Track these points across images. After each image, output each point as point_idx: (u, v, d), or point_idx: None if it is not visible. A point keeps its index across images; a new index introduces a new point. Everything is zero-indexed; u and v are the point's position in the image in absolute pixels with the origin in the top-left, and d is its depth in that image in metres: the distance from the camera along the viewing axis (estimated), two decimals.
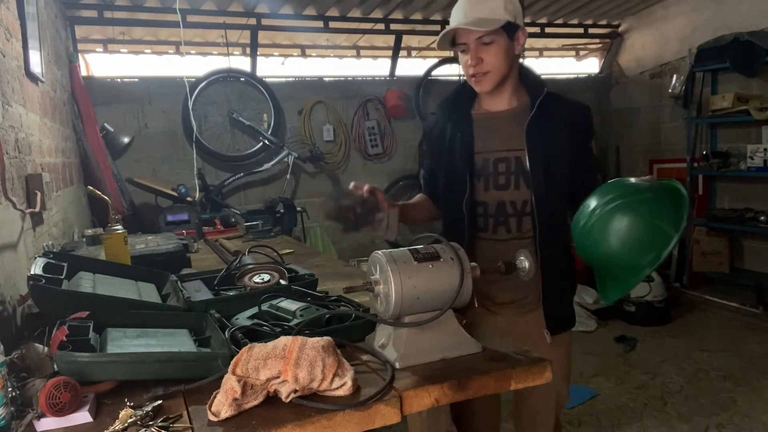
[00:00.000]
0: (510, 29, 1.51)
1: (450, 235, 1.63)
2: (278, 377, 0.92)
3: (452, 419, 1.80)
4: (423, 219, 1.80)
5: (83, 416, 0.92)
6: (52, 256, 1.52)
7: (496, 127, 1.61)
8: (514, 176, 1.58)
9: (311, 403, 0.91)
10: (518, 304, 1.65)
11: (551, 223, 1.58)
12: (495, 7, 1.48)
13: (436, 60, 5.24)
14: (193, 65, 4.87)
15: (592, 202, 1.25)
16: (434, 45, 5.54)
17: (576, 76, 6.04)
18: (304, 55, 5.24)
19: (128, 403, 0.92)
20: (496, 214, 1.61)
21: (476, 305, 1.17)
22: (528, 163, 1.55)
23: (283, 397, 0.91)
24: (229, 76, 4.51)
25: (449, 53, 5.22)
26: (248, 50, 4.72)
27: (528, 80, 1.62)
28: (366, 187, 1.46)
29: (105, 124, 4.03)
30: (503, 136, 1.59)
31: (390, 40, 5.13)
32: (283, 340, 0.97)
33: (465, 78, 1.64)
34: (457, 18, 1.50)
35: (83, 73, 4.05)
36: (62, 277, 1.39)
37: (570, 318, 1.71)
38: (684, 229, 1.13)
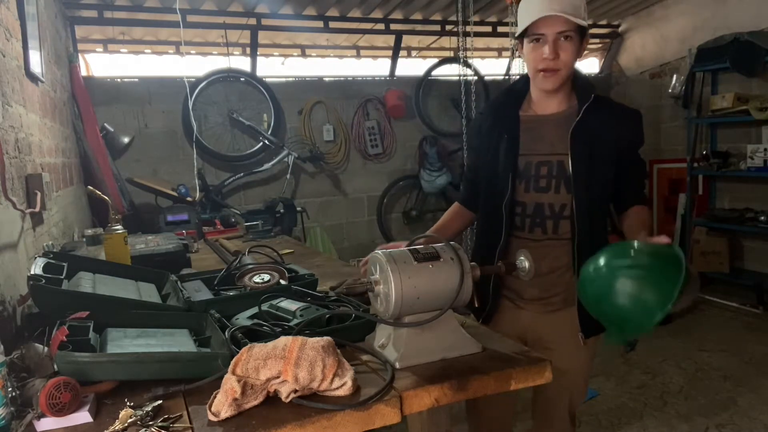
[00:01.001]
0: (583, 32, 1.50)
1: (486, 232, 1.66)
2: (278, 377, 0.92)
3: (465, 411, 1.81)
4: (456, 233, 1.80)
5: (83, 416, 0.92)
6: (52, 256, 1.52)
7: (542, 130, 1.60)
8: (555, 180, 1.57)
9: (311, 403, 0.91)
10: (545, 302, 1.64)
11: (591, 227, 1.57)
12: (578, 5, 1.47)
13: (436, 60, 5.24)
14: (193, 65, 4.88)
15: (601, 260, 1.25)
16: (435, 45, 5.55)
17: None
18: (304, 55, 5.24)
19: (128, 403, 0.92)
20: (534, 215, 1.61)
21: (476, 305, 1.17)
22: (570, 168, 1.54)
23: (283, 397, 0.91)
24: (229, 76, 4.51)
25: (449, 53, 5.23)
26: (248, 50, 4.72)
27: (578, 84, 1.61)
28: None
29: (105, 124, 4.03)
30: (548, 140, 1.58)
31: (390, 40, 5.13)
32: (283, 340, 0.97)
33: (523, 76, 1.62)
34: (543, 6, 1.44)
35: (83, 73, 4.05)
36: (62, 277, 1.39)
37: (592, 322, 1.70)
38: (673, 303, 1.10)
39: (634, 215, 1.61)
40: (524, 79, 1.65)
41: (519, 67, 4.43)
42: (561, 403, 1.72)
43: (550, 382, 1.08)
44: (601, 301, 1.23)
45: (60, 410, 0.90)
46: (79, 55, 4.09)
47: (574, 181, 1.53)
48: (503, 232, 1.61)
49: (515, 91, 1.67)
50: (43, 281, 1.25)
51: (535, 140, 1.59)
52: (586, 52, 6.08)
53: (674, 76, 5.19)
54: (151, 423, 0.88)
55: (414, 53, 5.65)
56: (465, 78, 4.59)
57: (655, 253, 1.21)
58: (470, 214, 1.80)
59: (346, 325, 1.22)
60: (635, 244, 1.25)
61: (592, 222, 1.57)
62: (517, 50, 1.63)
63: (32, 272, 1.30)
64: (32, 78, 2.30)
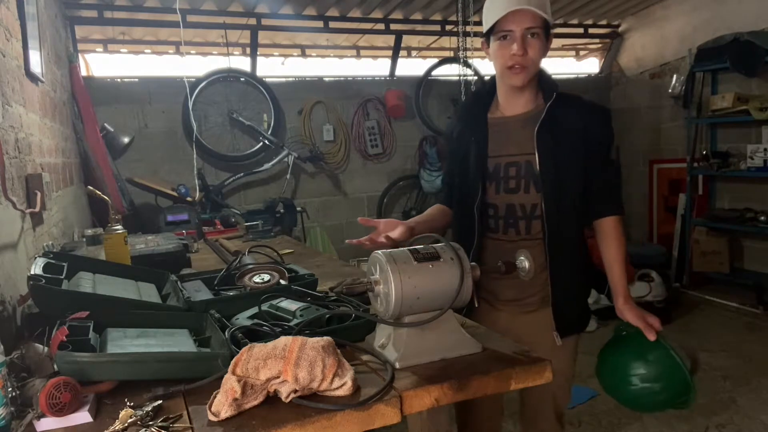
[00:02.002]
0: (548, 31, 1.52)
1: (461, 235, 1.66)
2: (278, 377, 0.92)
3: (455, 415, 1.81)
4: (441, 228, 1.81)
5: (83, 416, 0.92)
6: (52, 256, 1.52)
7: (509, 131, 1.60)
8: (524, 180, 1.58)
9: (311, 403, 0.91)
10: (521, 303, 1.65)
11: (562, 227, 1.57)
12: (544, 2, 1.48)
13: (436, 60, 5.24)
14: (193, 65, 4.88)
15: (634, 369, 1.51)
16: (435, 45, 5.55)
17: (576, 76, 6.04)
18: (304, 55, 5.24)
19: (128, 403, 0.92)
20: (506, 216, 1.62)
21: (477, 305, 1.17)
22: (538, 167, 1.54)
23: (283, 397, 0.91)
24: (229, 76, 4.51)
25: (449, 53, 5.23)
26: (248, 50, 4.73)
27: (543, 83, 1.62)
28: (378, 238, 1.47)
29: (105, 124, 4.03)
30: (515, 141, 1.59)
31: (390, 40, 5.13)
32: (283, 340, 0.97)
33: (491, 78, 1.64)
34: (510, 3, 1.44)
35: (83, 73, 4.06)
36: (62, 277, 1.39)
37: (580, 321, 1.70)
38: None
39: (604, 233, 1.61)
40: (491, 82, 1.66)
41: None
42: (546, 405, 1.72)
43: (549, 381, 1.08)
44: (615, 394, 1.56)
45: (60, 410, 0.90)
46: (79, 55, 4.09)
47: (542, 180, 1.54)
48: (476, 234, 1.61)
49: (482, 94, 1.69)
50: (43, 281, 1.25)
51: (502, 142, 1.60)
52: (585, 52, 6.10)
53: (674, 76, 5.19)
54: (151, 423, 0.88)
55: (414, 53, 5.65)
56: (465, 78, 4.59)
57: (669, 381, 1.45)
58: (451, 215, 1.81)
59: (346, 325, 1.22)
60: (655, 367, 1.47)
61: (563, 221, 1.57)
62: (482, 49, 1.62)
63: (32, 272, 1.30)
64: (32, 78, 2.30)
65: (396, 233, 1.49)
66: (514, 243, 1.61)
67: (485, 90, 1.68)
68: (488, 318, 1.65)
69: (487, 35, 1.54)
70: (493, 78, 1.65)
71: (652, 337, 1.49)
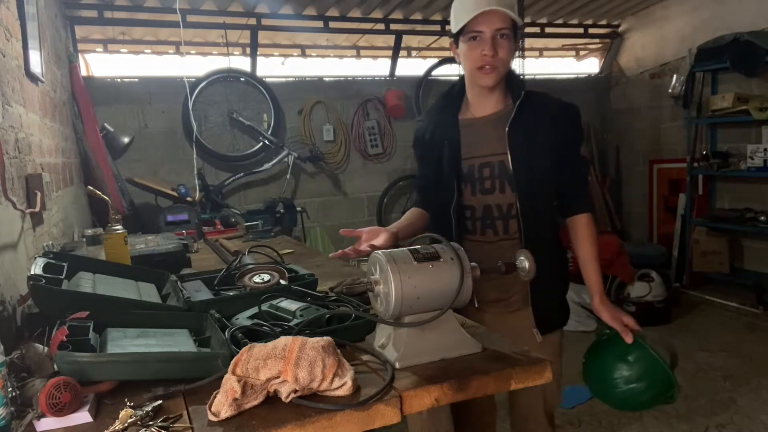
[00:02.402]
0: (516, 31, 1.53)
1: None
2: (278, 377, 0.92)
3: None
4: (421, 232, 1.79)
5: (83, 416, 0.92)
6: (52, 256, 1.52)
7: (480, 132, 1.61)
8: (498, 180, 1.59)
9: (311, 403, 0.91)
10: (505, 303, 1.66)
11: (538, 225, 1.59)
12: (512, 3, 1.49)
13: (436, 60, 5.24)
14: (193, 65, 4.88)
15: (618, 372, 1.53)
16: (435, 45, 5.55)
17: (576, 76, 6.04)
18: (304, 55, 5.24)
19: (128, 403, 0.92)
20: (483, 217, 1.63)
21: (476, 305, 1.17)
22: (511, 167, 1.55)
23: (283, 397, 0.91)
24: (229, 76, 4.51)
25: (449, 53, 5.23)
26: (248, 50, 4.73)
27: (512, 83, 1.62)
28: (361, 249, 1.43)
29: (105, 124, 4.03)
30: (487, 141, 1.59)
31: (390, 40, 5.13)
32: (283, 340, 0.97)
33: (459, 79, 1.64)
34: (480, 4, 1.45)
35: (83, 73, 4.06)
36: (62, 277, 1.39)
37: (560, 318, 1.72)
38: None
39: (577, 231, 1.62)
40: (460, 83, 1.66)
41: (519, 67, 4.44)
42: (536, 405, 1.71)
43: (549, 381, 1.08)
44: (603, 398, 1.58)
45: (60, 410, 0.90)
46: (79, 55, 4.09)
47: (515, 179, 1.55)
48: (453, 236, 1.61)
49: (452, 96, 1.68)
50: (43, 281, 1.25)
51: (474, 143, 1.60)
52: (585, 52, 6.10)
53: (674, 76, 5.19)
54: (151, 423, 0.88)
55: (414, 53, 5.65)
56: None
57: (652, 380, 1.49)
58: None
59: (346, 325, 1.22)
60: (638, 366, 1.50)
61: (539, 219, 1.59)
62: (450, 50, 1.62)
63: (32, 272, 1.30)
64: (32, 78, 2.30)
65: (380, 240, 1.46)
66: (491, 244, 1.62)
67: (454, 92, 1.68)
68: (473, 319, 1.65)
69: (456, 36, 1.54)
70: (461, 79, 1.65)
71: (629, 339, 1.50)
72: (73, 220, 2.94)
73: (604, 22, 5.75)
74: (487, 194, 1.61)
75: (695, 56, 4.78)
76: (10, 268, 1.54)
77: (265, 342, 0.98)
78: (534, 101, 1.57)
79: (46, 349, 1.10)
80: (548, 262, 1.61)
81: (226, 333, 1.14)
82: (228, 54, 4.68)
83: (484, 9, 1.44)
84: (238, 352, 0.96)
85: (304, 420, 0.88)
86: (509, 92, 1.62)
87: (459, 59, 1.57)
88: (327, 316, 1.24)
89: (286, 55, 5.22)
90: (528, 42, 5.26)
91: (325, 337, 0.99)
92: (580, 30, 5.71)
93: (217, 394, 0.91)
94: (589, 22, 5.66)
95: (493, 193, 1.60)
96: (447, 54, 5.30)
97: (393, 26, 4.96)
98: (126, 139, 4.18)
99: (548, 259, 1.61)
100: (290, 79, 4.90)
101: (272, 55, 5.17)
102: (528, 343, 1.57)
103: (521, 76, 1.68)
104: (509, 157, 1.55)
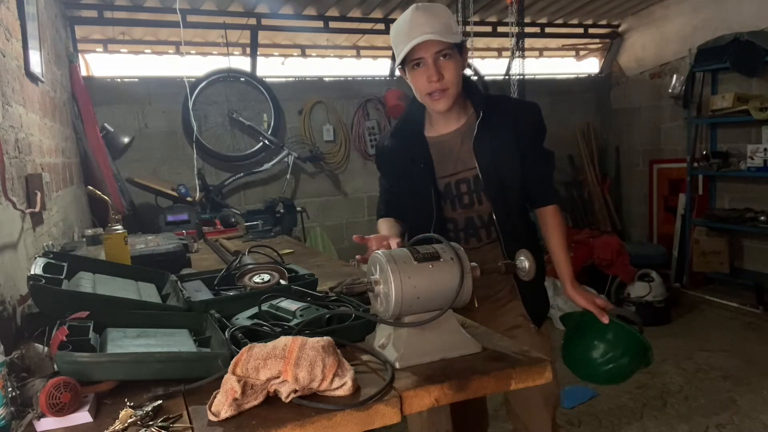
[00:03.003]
0: (459, 47, 1.51)
1: None
2: (278, 377, 0.92)
3: None
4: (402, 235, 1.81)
5: (83, 416, 0.92)
6: (52, 256, 1.52)
7: (451, 149, 1.62)
8: (475, 194, 1.62)
9: (311, 403, 0.91)
10: (493, 299, 1.70)
11: (514, 226, 1.63)
12: (448, 22, 1.47)
13: None
14: (193, 65, 4.88)
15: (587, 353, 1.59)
16: None
17: (576, 76, 6.04)
18: (304, 55, 5.24)
19: (128, 403, 0.92)
20: (466, 228, 1.66)
21: (476, 305, 1.17)
22: (482, 180, 1.58)
23: (283, 397, 0.91)
24: (229, 76, 4.51)
25: None
26: (248, 50, 4.73)
27: (470, 91, 1.61)
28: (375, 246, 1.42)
29: (105, 124, 4.03)
30: (459, 157, 1.61)
31: (390, 40, 5.11)
32: (283, 340, 0.97)
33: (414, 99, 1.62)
34: (414, 33, 1.44)
35: (83, 73, 4.06)
36: (62, 277, 1.39)
37: (545, 306, 1.78)
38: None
39: (546, 221, 1.65)
40: (417, 103, 1.63)
41: (519, 67, 4.43)
42: (535, 401, 1.67)
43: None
44: (590, 378, 1.66)
45: (60, 410, 0.90)
46: (79, 55, 4.09)
47: (488, 192, 1.59)
48: None
49: (414, 113, 1.66)
50: (43, 281, 1.25)
51: (447, 161, 1.62)
52: (585, 52, 6.10)
53: (674, 76, 5.19)
54: (151, 423, 0.88)
55: None
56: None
57: (632, 351, 1.57)
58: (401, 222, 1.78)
59: (346, 325, 1.22)
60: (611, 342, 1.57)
61: (515, 221, 1.63)
62: (402, 77, 1.60)
63: (32, 272, 1.30)
64: (32, 78, 2.30)
65: (393, 245, 1.43)
66: (476, 249, 1.66)
67: (414, 108, 1.66)
68: (466, 316, 1.66)
69: (402, 65, 1.53)
70: (417, 100, 1.64)
71: (605, 320, 1.54)
72: (73, 220, 2.94)
73: (604, 22, 5.75)
74: (467, 208, 1.64)
75: (695, 56, 4.78)
76: (10, 268, 1.54)
77: (265, 342, 0.98)
78: (494, 106, 1.58)
79: (46, 349, 1.10)
80: None
81: (226, 333, 1.14)
82: (228, 54, 4.68)
83: (418, 41, 1.42)
84: (238, 352, 0.96)
85: (304, 420, 0.88)
86: (468, 100, 1.62)
87: (411, 85, 1.56)
88: (327, 316, 1.24)
89: (286, 55, 5.22)
90: (528, 42, 5.25)
91: (325, 337, 0.99)
92: (580, 30, 5.71)
93: (217, 394, 0.91)
94: (589, 22, 5.66)
95: (473, 207, 1.64)
96: None
97: None
98: (126, 139, 4.18)
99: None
100: (290, 79, 4.90)
101: (272, 55, 5.17)
102: (520, 335, 1.62)
103: (480, 78, 1.66)
104: (478, 170, 1.58)
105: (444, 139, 1.63)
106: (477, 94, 1.61)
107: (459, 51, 1.51)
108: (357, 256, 1.43)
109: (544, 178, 1.66)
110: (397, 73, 1.65)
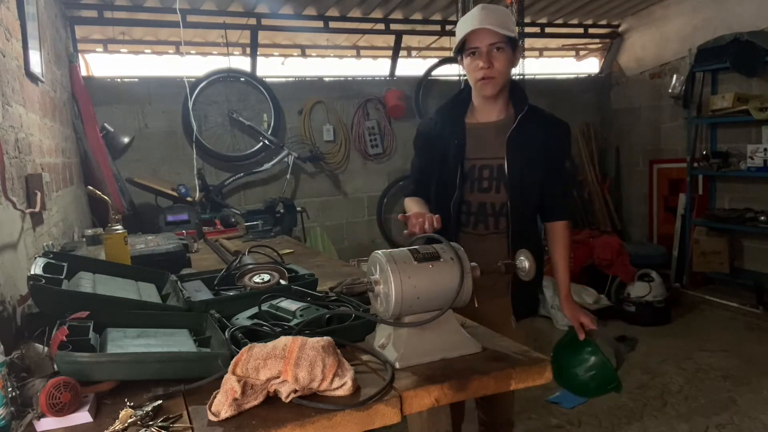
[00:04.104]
0: (513, 44, 1.68)
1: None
2: (278, 377, 0.92)
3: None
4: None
5: (83, 416, 0.92)
6: (52, 256, 1.52)
7: (485, 136, 1.77)
8: (495, 181, 1.75)
9: (311, 403, 0.91)
10: (493, 289, 1.76)
11: (523, 223, 1.77)
12: (505, 21, 1.66)
13: (436, 60, 5.24)
14: (193, 65, 4.88)
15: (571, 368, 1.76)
16: (435, 45, 5.56)
17: (576, 76, 6.04)
18: (304, 55, 5.24)
19: (128, 403, 0.92)
20: (478, 212, 1.79)
21: (476, 305, 1.17)
22: (507, 170, 1.72)
23: (283, 397, 0.91)
24: (229, 76, 4.51)
25: (449, 53, 5.23)
26: (248, 50, 4.72)
27: (515, 95, 1.78)
28: (427, 226, 1.47)
29: (105, 124, 4.03)
30: (490, 145, 1.75)
31: (390, 40, 5.13)
32: (283, 340, 0.97)
33: (465, 84, 1.80)
34: (474, 23, 1.63)
35: (83, 73, 4.05)
36: (62, 277, 1.39)
37: (533, 305, 1.92)
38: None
39: (554, 235, 1.81)
40: (467, 90, 1.82)
41: (519, 67, 4.43)
42: (504, 395, 1.80)
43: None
44: (564, 385, 1.78)
45: (60, 410, 0.90)
46: (79, 55, 4.09)
47: (509, 182, 1.72)
48: (451, 228, 1.76)
49: (460, 100, 1.85)
50: (43, 281, 1.25)
51: (478, 146, 1.77)
52: (585, 52, 6.10)
53: (674, 76, 5.19)
54: (151, 423, 0.88)
55: (414, 53, 5.65)
56: (465, 78, 4.59)
57: (599, 375, 1.71)
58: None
59: (346, 325, 1.22)
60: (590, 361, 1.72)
61: (525, 219, 1.78)
62: (458, 64, 1.82)
63: (32, 272, 1.30)
64: (32, 78, 2.30)
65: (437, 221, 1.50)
66: (482, 236, 1.78)
67: (461, 97, 1.85)
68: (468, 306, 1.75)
69: (459, 52, 1.72)
70: (468, 86, 1.82)
71: (581, 336, 1.71)
72: (73, 220, 2.94)
73: (604, 22, 5.75)
74: (483, 192, 1.77)
75: (695, 56, 4.78)
76: (10, 268, 1.54)
77: (265, 342, 0.98)
78: (533, 115, 1.74)
79: (46, 349, 1.10)
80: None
81: (226, 333, 1.14)
82: (228, 54, 4.68)
83: (475, 28, 1.62)
84: (238, 352, 0.96)
85: (304, 420, 0.88)
86: (511, 102, 1.78)
87: (465, 71, 1.75)
88: (327, 316, 1.24)
89: (286, 55, 5.22)
90: (528, 42, 5.26)
91: (325, 337, 0.99)
92: (580, 30, 5.71)
93: (217, 394, 0.91)
94: (589, 22, 5.66)
95: (489, 192, 1.76)
96: (447, 54, 5.30)
97: (393, 26, 4.96)
98: (126, 139, 4.18)
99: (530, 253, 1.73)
100: (290, 79, 4.90)
101: (272, 55, 5.17)
102: (503, 328, 1.66)
103: (523, 89, 1.83)
104: (506, 162, 1.72)
105: (481, 127, 1.78)
106: (521, 99, 1.77)
107: (512, 48, 1.68)
108: (405, 231, 1.51)
109: (561, 193, 1.81)
110: (455, 66, 1.87)
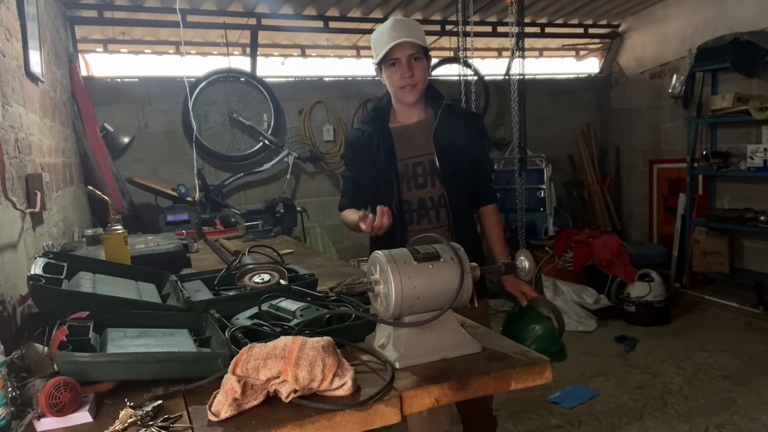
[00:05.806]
0: (427, 52, 1.84)
1: (383, 233, 1.76)
2: (278, 377, 0.92)
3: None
4: None
5: (83, 416, 0.92)
6: (52, 256, 1.52)
7: (410, 136, 1.91)
8: (429, 176, 1.88)
9: (311, 403, 0.91)
10: None
11: (462, 212, 1.90)
12: (420, 32, 1.83)
13: (436, 60, 5.24)
14: (193, 65, 4.88)
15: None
16: (434, 45, 5.55)
17: (576, 76, 6.04)
18: (304, 55, 5.24)
19: (128, 403, 0.92)
20: (419, 208, 1.90)
21: (476, 305, 1.17)
22: (438, 164, 1.85)
23: (283, 397, 0.91)
24: (229, 76, 4.51)
25: (449, 53, 5.23)
26: (248, 50, 4.72)
27: (430, 95, 1.92)
28: (377, 223, 1.65)
29: (105, 124, 4.03)
30: (417, 144, 1.89)
31: None
32: (283, 340, 0.97)
33: (385, 94, 1.95)
34: (393, 37, 1.76)
35: (83, 73, 4.05)
36: (62, 277, 1.39)
37: (482, 287, 1.92)
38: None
39: (489, 218, 1.98)
40: (387, 98, 1.96)
41: (519, 67, 4.43)
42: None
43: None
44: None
45: (60, 410, 0.90)
46: (79, 55, 4.09)
47: (443, 173, 1.86)
48: (397, 229, 1.84)
49: (381, 108, 1.98)
50: (43, 281, 1.25)
51: (406, 145, 1.90)
52: (585, 52, 6.10)
53: (674, 76, 5.19)
54: (151, 423, 0.88)
55: None
56: (465, 78, 4.59)
57: (546, 339, 1.85)
58: None
59: (346, 325, 1.22)
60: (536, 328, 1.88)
61: (461, 208, 1.91)
62: (377, 75, 1.94)
63: (32, 272, 1.30)
64: (32, 78, 2.30)
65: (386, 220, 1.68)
66: (428, 231, 1.79)
67: (382, 105, 1.98)
68: None
69: (379, 64, 1.85)
70: (388, 94, 1.95)
71: (523, 303, 1.87)
72: (73, 220, 2.94)
73: (604, 22, 5.75)
74: (420, 189, 1.89)
75: (695, 56, 4.78)
76: (10, 268, 1.54)
77: (265, 342, 0.98)
78: (449, 111, 1.90)
79: (46, 349, 1.10)
80: (472, 242, 1.94)
81: (226, 333, 1.14)
82: (228, 54, 4.68)
83: (397, 42, 1.75)
84: (238, 352, 0.96)
85: (304, 420, 0.88)
86: (428, 103, 1.93)
87: (384, 81, 1.90)
88: (327, 316, 1.24)
89: (286, 55, 5.22)
90: (528, 42, 5.25)
91: (325, 337, 0.99)
92: (580, 30, 5.71)
93: (217, 394, 0.91)
94: (589, 22, 5.66)
95: (426, 187, 1.89)
96: (447, 54, 5.30)
97: None
98: (126, 139, 4.18)
99: (469, 239, 1.92)
100: (290, 79, 4.90)
101: (272, 55, 5.16)
102: (464, 311, 1.71)
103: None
104: (436, 155, 1.86)
105: (405, 128, 1.92)
106: (436, 98, 1.93)
107: (426, 57, 1.85)
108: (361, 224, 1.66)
109: (487, 179, 1.99)
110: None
